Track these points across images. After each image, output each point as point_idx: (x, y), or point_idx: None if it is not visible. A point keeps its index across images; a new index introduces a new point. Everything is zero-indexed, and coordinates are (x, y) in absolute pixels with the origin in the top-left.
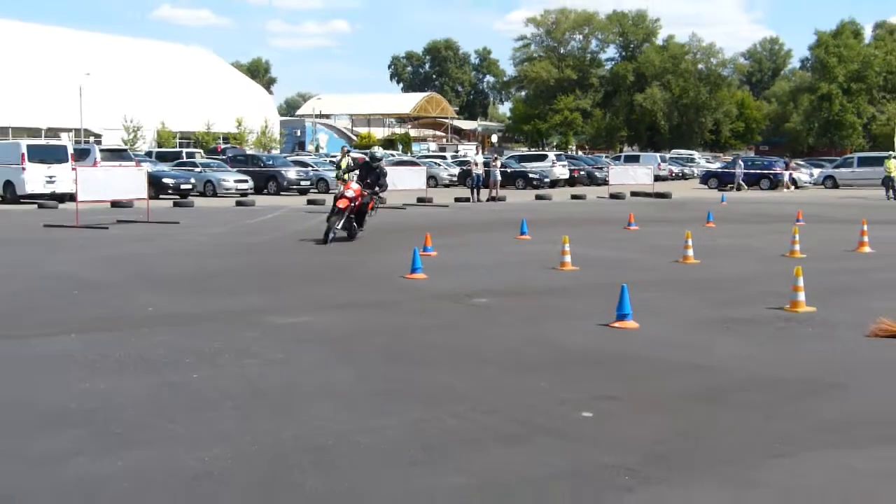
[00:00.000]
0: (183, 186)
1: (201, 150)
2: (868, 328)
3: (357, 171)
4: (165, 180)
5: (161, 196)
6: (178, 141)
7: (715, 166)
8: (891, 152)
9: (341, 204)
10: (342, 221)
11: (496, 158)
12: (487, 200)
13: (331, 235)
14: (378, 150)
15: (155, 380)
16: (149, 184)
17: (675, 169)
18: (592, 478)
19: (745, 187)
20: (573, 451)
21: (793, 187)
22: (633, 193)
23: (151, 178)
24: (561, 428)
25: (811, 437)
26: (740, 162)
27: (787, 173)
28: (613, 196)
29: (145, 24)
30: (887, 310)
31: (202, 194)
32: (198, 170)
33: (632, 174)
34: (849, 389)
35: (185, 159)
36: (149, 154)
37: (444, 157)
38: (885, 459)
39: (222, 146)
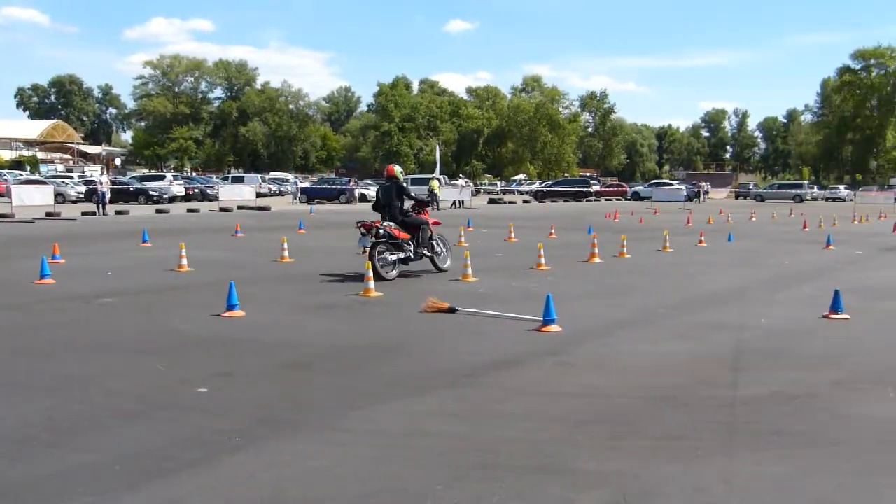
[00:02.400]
0: None
1: None
2: (420, 306)
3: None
4: None
5: None
6: None
7: (306, 184)
8: (433, 175)
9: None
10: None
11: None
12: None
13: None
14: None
15: None
16: None
17: (274, 187)
18: (208, 442)
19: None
20: (191, 422)
21: (356, 202)
22: (240, 207)
23: None
24: (180, 403)
25: (382, 390)
26: (298, 182)
27: (356, 191)
28: (223, 209)
29: None
30: (433, 291)
31: None
32: None
33: (238, 192)
34: (408, 352)
35: None
36: None
37: (71, 177)
38: (437, 401)
39: None
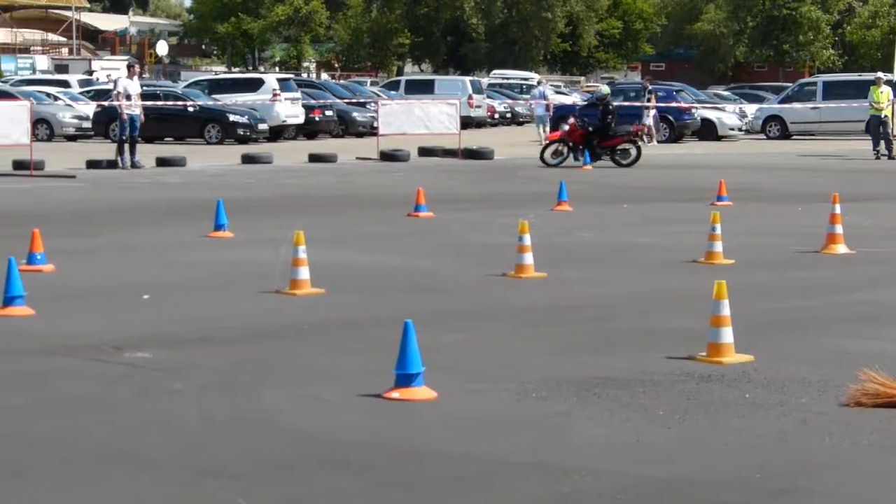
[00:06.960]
0: None
1: None
2: (847, 390)
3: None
4: None
5: None
6: None
7: (572, 99)
8: (880, 74)
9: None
10: None
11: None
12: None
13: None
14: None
15: None
16: None
17: (500, 105)
18: None
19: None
20: None
21: (654, 139)
22: (423, 151)
23: None
24: None
25: None
26: (548, 93)
27: (650, 111)
28: (386, 157)
29: None
30: (867, 354)
31: None
32: None
33: (420, 115)
34: (824, 501)
35: None
36: None
37: (66, 85)
38: None
39: None
